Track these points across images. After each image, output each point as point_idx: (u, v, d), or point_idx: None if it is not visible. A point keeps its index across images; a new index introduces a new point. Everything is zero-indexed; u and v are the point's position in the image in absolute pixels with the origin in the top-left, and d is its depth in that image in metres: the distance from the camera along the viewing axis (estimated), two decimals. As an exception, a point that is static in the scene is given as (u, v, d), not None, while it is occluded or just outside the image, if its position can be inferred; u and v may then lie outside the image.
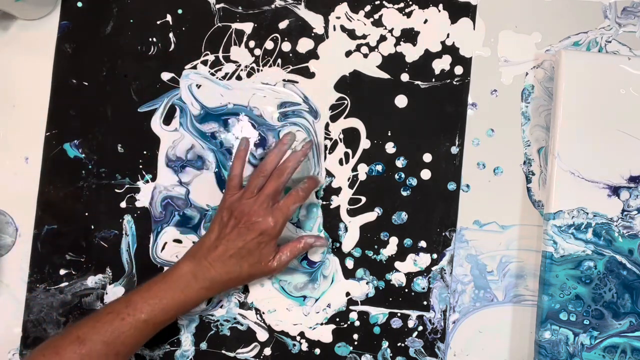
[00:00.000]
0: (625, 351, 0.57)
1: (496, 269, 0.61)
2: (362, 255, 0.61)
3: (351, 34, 0.62)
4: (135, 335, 0.53)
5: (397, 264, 0.61)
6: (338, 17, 0.63)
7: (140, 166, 0.63)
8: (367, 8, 0.62)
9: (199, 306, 0.60)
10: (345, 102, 0.62)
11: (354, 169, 0.62)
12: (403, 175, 0.62)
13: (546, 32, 0.62)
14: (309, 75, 0.63)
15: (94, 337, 0.52)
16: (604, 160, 0.57)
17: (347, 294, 0.61)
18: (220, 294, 0.59)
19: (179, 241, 0.62)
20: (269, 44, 0.63)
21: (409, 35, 0.62)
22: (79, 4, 0.64)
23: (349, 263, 0.61)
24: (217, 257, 0.55)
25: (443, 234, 0.61)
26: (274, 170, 0.57)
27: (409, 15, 0.62)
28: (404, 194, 0.61)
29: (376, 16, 0.62)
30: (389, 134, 0.62)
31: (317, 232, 0.62)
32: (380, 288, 0.61)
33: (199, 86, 0.63)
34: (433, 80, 0.62)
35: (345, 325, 0.61)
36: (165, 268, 0.62)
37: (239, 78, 0.63)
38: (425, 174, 0.61)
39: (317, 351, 0.61)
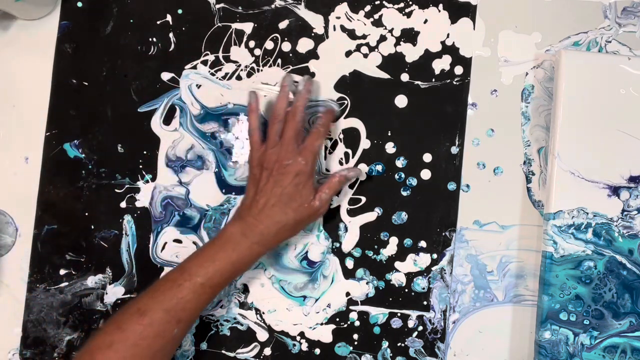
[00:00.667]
0: (625, 351, 0.57)
1: (496, 269, 0.61)
2: (362, 255, 0.61)
3: (351, 34, 0.62)
4: (194, 299, 0.53)
5: (397, 264, 0.61)
6: (338, 17, 0.63)
7: (140, 166, 0.63)
8: (367, 8, 0.62)
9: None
10: (345, 102, 0.62)
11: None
12: (403, 175, 0.62)
13: (546, 32, 0.62)
14: (309, 75, 0.63)
15: (154, 307, 0.52)
16: (604, 160, 0.57)
17: (347, 294, 0.61)
18: (272, 249, 0.58)
19: (179, 241, 0.62)
20: (269, 44, 0.63)
21: (409, 35, 0.62)
22: (79, 4, 0.64)
23: (349, 263, 0.61)
24: (260, 211, 0.56)
25: (443, 234, 0.61)
26: (287, 114, 0.58)
27: (409, 15, 0.62)
28: (404, 194, 0.61)
29: (376, 16, 0.62)
30: (389, 134, 0.62)
31: (317, 232, 0.62)
32: (380, 288, 0.61)
33: (199, 86, 0.63)
34: (433, 80, 0.62)
35: (345, 325, 0.61)
36: (166, 268, 0.62)
37: (239, 78, 0.63)
38: (425, 174, 0.61)
39: (317, 351, 0.61)
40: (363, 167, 0.62)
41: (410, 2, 0.62)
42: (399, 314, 0.61)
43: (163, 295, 0.53)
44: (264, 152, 0.57)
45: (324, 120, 0.58)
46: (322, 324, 0.61)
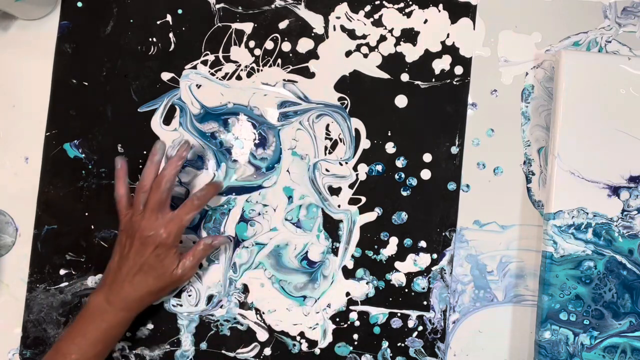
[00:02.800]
0: (625, 351, 0.57)
1: (496, 269, 0.61)
2: (362, 255, 0.61)
3: (351, 34, 0.62)
4: None
5: (397, 264, 0.61)
6: (338, 17, 0.63)
7: (140, 166, 0.63)
8: (367, 8, 0.62)
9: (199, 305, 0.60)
10: (345, 102, 0.62)
11: (354, 168, 0.62)
12: (403, 175, 0.62)
13: (546, 32, 0.62)
14: (309, 75, 0.63)
15: None
16: (604, 160, 0.57)
17: (347, 294, 0.61)
18: (141, 311, 0.58)
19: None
20: (269, 44, 0.63)
21: (409, 35, 0.62)
22: (79, 4, 0.64)
23: (349, 263, 0.61)
24: (123, 278, 0.56)
25: (443, 234, 0.61)
26: (152, 183, 0.57)
27: (409, 15, 0.62)
28: (404, 194, 0.61)
29: (376, 16, 0.62)
30: (389, 134, 0.62)
31: (317, 232, 0.62)
32: (380, 288, 0.61)
33: (199, 86, 0.63)
34: (433, 80, 0.62)
35: (345, 325, 0.61)
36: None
37: (239, 78, 0.63)
38: (425, 174, 0.61)
39: (317, 351, 0.61)
40: (362, 168, 0.62)
41: (410, 2, 0.62)
42: (399, 314, 0.61)
43: None
44: (129, 219, 0.57)
45: (203, 193, 0.57)
46: (322, 324, 0.61)
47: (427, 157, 0.61)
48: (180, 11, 0.63)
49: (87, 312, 0.56)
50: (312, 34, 0.63)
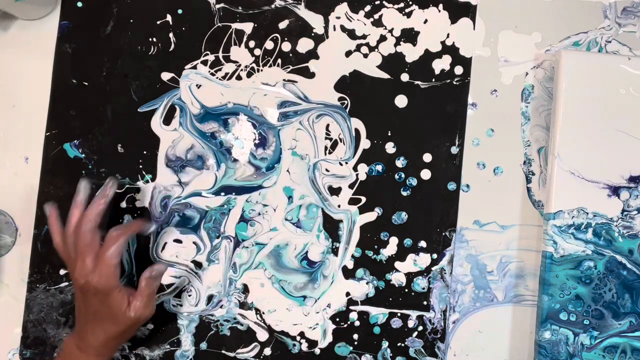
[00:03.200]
0: (625, 351, 0.57)
1: (496, 269, 0.61)
2: (362, 255, 0.61)
3: (351, 34, 0.62)
4: None
5: (397, 264, 0.61)
6: (338, 17, 0.63)
7: (140, 166, 0.63)
8: (367, 8, 0.62)
9: (199, 306, 0.60)
10: (345, 102, 0.62)
11: (354, 168, 0.62)
12: (403, 175, 0.62)
13: (546, 32, 0.62)
14: (309, 75, 0.63)
15: None
16: (604, 160, 0.57)
17: (347, 294, 0.61)
18: (114, 353, 0.58)
19: (179, 241, 0.62)
20: (269, 44, 0.63)
21: (409, 35, 0.62)
22: (79, 4, 0.64)
23: (349, 263, 0.61)
24: (84, 326, 0.55)
25: (443, 234, 0.61)
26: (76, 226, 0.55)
27: (409, 15, 0.62)
28: (404, 194, 0.61)
29: (376, 16, 0.62)
30: (389, 134, 0.62)
31: (317, 232, 0.62)
32: (380, 288, 0.61)
33: (199, 86, 0.63)
34: (433, 80, 0.62)
35: (345, 325, 0.61)
36: (165, 268, 0.62)
37: (239, 78, 0.63)
38: (425, 174, 0.61)
39: (317, 351, 0.61)
40: (362, 168, 0.62)
41: (410, 2, 0.62)
42: (399, 314, 0.61)
43: None
44: (70, 268, 0.56)
45: (123, 227, 0.55)
46: (322, 324, 0.61)
47: (427, 157, 0.61)
48: (180, 11, 0.63)
49: (62, 356, 0.56)
50: (312, 34, 0.63)
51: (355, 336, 0.61)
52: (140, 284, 0.56)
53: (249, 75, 0.63)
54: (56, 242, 0.57)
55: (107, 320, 0.54)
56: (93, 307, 0.54)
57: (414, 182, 0.61)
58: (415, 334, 0.61)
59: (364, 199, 0.62)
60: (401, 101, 0.62)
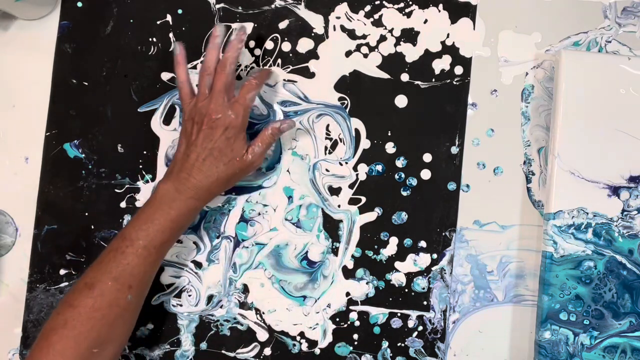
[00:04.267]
0: (625, 351, 0.57)
1: (496, 269, 0.61)
2: (362, 255, 0.61)
3: (351, 34, 0.62)
4: (140, 263, 0.53)
5: (397, 264, 0.61)
6: (338, 17, 0.63)
7: (140, 166, 0.63)
8: (367, 8, 0.62)
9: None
10: (345, 102, 0.62)
11: (354, 168, 0.62)
12: (403, 175, 0.62)
13: (546, 32, 0.62)
14: (309, 75, 0.63)
15: (102, 278, 0.52)
16: (604, 160, 0.57)
17: (347, 294, 0.61)
18: (209, 201, 0.58)
19: (179, 241, 0.62)
20: (269, 44, 0.63)
21: (409, 35, 0.62)
22: (79, 4, 0.64)
23: (349, 263, 0.61)
24: (191, 165, 0.55)
25: (443, 234, 0.61)
26: (217, 66, 0.57)
27: (409, 15, 0.62)
28: (404, 194, 0.61)
29: (376, 16, 0.62)
30: (389, 134, 0.62)
31: (317, 232, 0.62)
32: (380, 288, 0.61)
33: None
34: (433, 80, 0.62)
35: (345, 325, 0.61)
36: (165, 268, 0.62)
37: (238, 78, 0.63)
38: (425, 174, 0.61)
39: (317, 351, 0.61)
40: (362, 168, 0.62)
41: (410, 2, 0.62)
42: (399, 314, 0.61)
43: (108, 265, 0.53)
44: (195, 105, 0.56)
45: (259, 74, 0.57)
46: (322, 324, 0.61)
47: (427, 157, 0.61)
48: (180, 11, 0.63)
49: (155, 199, 0.55)
50: (312, 34, 0.63)
51: (355, 336, 0.61)
52: (265, 131, 0.57)
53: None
54: (182, 79, 0.58)
55: (223, 159, 0.55)
56: (216, 144, 0.55)
57: (414, 182, 0.61)
58: (415, 334, 0.61)
59: (364, 199, 0.62)
60: (401, 101, 0.62)
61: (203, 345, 0.62)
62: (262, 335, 0.61)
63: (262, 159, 0.58)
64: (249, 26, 0.63)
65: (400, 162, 0.62)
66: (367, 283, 0.61)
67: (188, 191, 0.55)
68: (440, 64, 0.62)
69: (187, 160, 0.55)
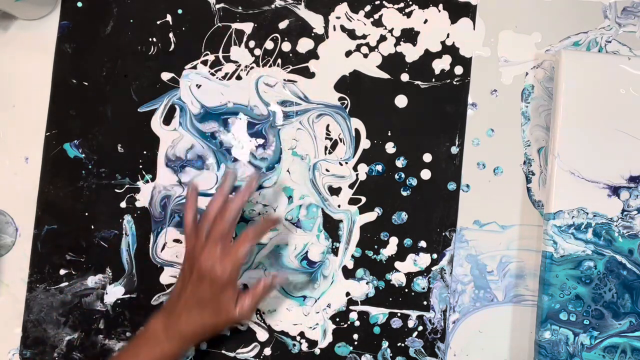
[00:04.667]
0: (625, 351, 0.57)
1: (496, 269, 0.61)
2: (362, 255, 0.61)
3: (351, 34, 0.62)
4: None
5: (397, 264, 0.61)
6: (338, 17, 0.63)
7: (140, 166, 0.63)
8: (367, 8, 0.62)
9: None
10: (345, 102, 0.62)
11: (354, 168, 0.62)
12: (403, 175, 0.62)
13: (546, 32, 0.62)
14: (309, 75, 0.63)
15: None
16: (604, 160, 0.57)
17: (347, 294, 0.61)
18: (196, 344, 0.58)
19: (178, 241, 0.62)
20: (269, 44, 0.63)
21: (409, 35, 0.62)
22: (79, 4, 0.64)
23: (349, 263, 0.61)
24: (181, 309, 0.55)
25: (443, 234, 0.61)
26: (217, 213, 0.55)
27: (409, 15, 0.62)
28: (404, 194, 0.61)
29: (376, 16, 0.62)
30: (389, 134, 0.62)
31: (317, 232, 0.62)
32: (380, 288, 0.61)
33: (199, 86, 0.63)
34: (433, 80, 0.62)
35: (345, 325, 0.61)
36: (166, 268, 0.62)
37: (239, 78, 0.63)
38: (425, 174, 0.61)
39: (317, 351, 0.61)
40: (362, 168, 0.62)
41: (410, 2, 0.62)
42: (399, 314, 0.61)
43: None
44: (192, 249, 0.55)
45: (258, 226, 0.55)
46: (322, 324, 0.61)
47: (427, 157, 0.61)
48: (180, 11, 0.63)
49: (144, 335, 0.55)
50: (312, 34, 0.63)
51: (355, 336, 0.61)
52: (257, 286, 0.56)
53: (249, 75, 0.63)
54: (188, 220, 0.56)
55: (209, 310, 0.54)
56: (203, 294, 0.54)
57: (414, 182, 0.61)
58: (415, 334, 0.61)
59: (364, 199, 0.62)
60: (401, 101, 0.62)
61: (203, 346, 0.62)
62: (262, 335, 0.61)
63: (251, 314, 0.56)
64: (248, 26, 0.63)
65: (400, 162, 0.62)
66: (367, 283, 0.61)
67: (175, 335, 0.54)
68: (440, 64, 0.62)
69: (179, 302, 0.55)
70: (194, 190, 0.57)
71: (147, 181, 0.63)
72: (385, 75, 0.62)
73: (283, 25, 0.63)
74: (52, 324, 0.62)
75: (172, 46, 0.63)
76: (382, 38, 0.62)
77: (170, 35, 0.63)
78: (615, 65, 0.58)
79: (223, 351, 0.62)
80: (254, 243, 0.55)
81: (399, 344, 0.61)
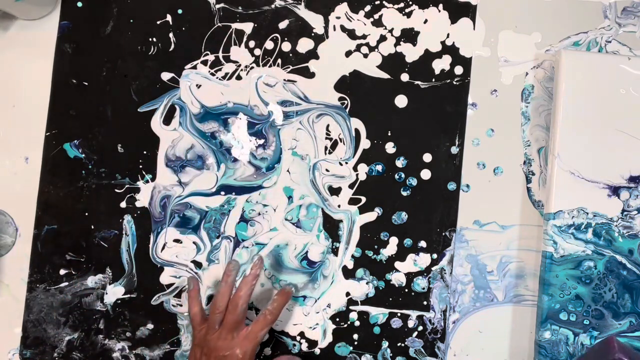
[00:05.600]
0: (625, 351, 0.57)
1: (496, 269, 0.61)
2: (362, 255, 0.61)
3: (351, 34, 0.62)
4: None
5: (397, 264, 0.61)
6: (338, 17, 0.63)
7: (140, 166, 0.63)
8: (367, 8, 0.62)
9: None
10: (345, 102, 0.62)
11: (354, 168, 0.62)
12: (403, 175, 0.62)
13: (546, 32, 0.62)
14: (309, 75, 0.63)
15: None
16: (604, 160, 0.57)
17: (347, 294, 0.61)
18: None
19: (178, 241, 0.62)
20: (269, 44, 0.63)
21: (409, 35, 0.62)
22: (79, 4, 0.64)
23: (349, 263, 0.61)
24: None
25: (443, 234, 0.61)
26: (228, 304, 0.57)
27: (409, 15, 0.62)
28: (404, 194, 0.61)
29: (376, 16, 0.62)
30: (389, 134, 0.62)
31: (317, 232, 0.62)
32: (380, 288, 0.61)
33: (199, 86, 0.63)
34: (433, 80, 0.62)
35: (345, 325, 0.61)
36: (166, 268, 0.62)
37: (239, 78, 0.63)
38: (425, 174, 0.61)
39: (317, 351, 0.61)
40: (362, 168, 0.62)
41: (410, 2, 0.62)
42: (399, 314, 0.61)
43: None
44: (204, 336, 0.56)
45: (275, 305, 0.57)
46: (322, 324, 0.61)
47: (427, 157, 0.61)
48: (180, 11, 0.63)
49: None
50: (312, 34, 0.63)
51: (355, 336, 0.61)
52: None
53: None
54: (194, 311, 0.58)
55: None
56: None
57: (414, 182, 0.61)
58: (415, 334, 0.61)
59: (364, 199, 0.62)
60: (401, 101, 0.62)
61: (203, 345, 0.62)
62: (262, 335, 0.61)
63: None
64: (248, 26, 0.63)
65: (400, 162, 0.62)
66: (367, 283, 0.61)
67: None
68: (440, 64, 0.62)
69: None
70: (196, 285, 0.60)
71: (147, 181, 0.63)
72: (385, 75, 0.62)
73: (283, 25, 0.63)
74: (52, 324, 0.62)
75: (172, 46, 0.63)
76: (382, 38, 0.62)
77: (170, 35, 0.63)
78: (615, 65, 0.58)
79: (223, 351, 0.61)
80: (272, 324, 0.57)
81: (399, 344, 0.61)
